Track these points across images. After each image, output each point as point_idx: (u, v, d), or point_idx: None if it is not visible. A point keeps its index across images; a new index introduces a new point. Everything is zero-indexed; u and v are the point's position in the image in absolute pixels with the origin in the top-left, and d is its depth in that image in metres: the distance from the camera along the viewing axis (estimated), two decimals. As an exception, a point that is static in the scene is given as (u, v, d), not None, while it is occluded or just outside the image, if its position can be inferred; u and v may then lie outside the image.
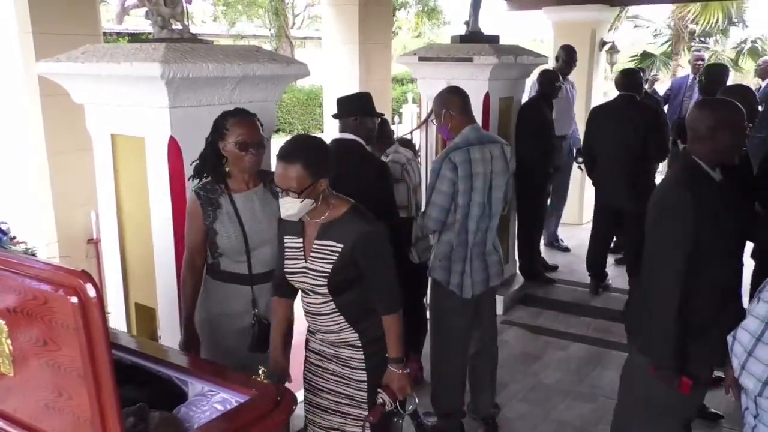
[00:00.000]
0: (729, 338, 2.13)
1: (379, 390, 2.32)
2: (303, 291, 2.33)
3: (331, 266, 2.21)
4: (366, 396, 2.34)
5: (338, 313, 2.28)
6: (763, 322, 2.02)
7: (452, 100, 3.11)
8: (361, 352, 2.32)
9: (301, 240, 2.28)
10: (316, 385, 2.44)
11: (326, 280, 2.22)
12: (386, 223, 2.36)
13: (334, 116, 3.28)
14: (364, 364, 2.33)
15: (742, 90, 3.61)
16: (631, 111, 4.83)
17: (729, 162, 2.39)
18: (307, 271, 2.25)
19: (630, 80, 4.97)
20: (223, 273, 2.58)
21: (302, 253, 2.27)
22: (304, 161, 2.08)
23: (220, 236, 2.52)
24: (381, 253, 2.25)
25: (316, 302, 2.30)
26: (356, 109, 3.20)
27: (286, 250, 2.32)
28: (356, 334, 2.31)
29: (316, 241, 2.23)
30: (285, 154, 2.11)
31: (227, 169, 2.52)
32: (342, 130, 3.19)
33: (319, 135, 2.67)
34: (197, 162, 2.52)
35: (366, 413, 2.33)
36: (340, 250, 2.20)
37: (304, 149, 2.13)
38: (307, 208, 2.15)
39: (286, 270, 2.32)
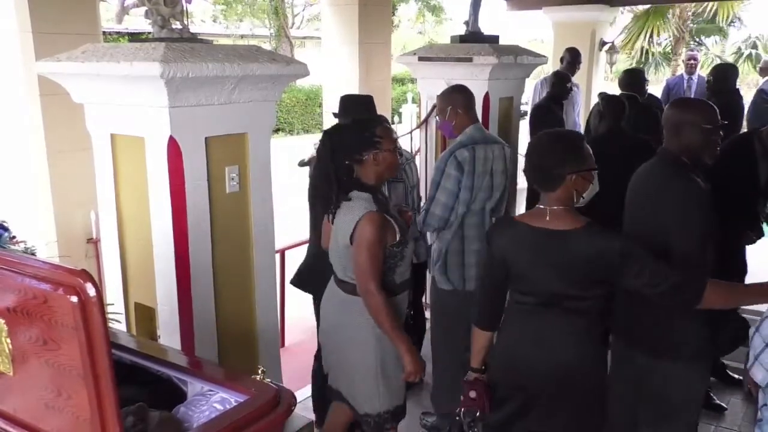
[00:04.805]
0: (751, 331, 2.11)
1: None
2: None
3: None
4: None
5: None
6: None
7: (458, 97, 3.14)
8: None
9: None
10: None
11: None
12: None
13: (336, 114, 3.28)
14: None
15: None
16: (631, 111, 4.81)
17: (699, 161, 2.43)
18: None
19: (632, 79, 4.91)
20: (400, 285, 2.54)
21: None
22: None
23: (408, 248, 2.49)
24: None
25: None
26: (362, 112, 3.17)
27: None
28: None
29: None
30: None
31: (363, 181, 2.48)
32: None
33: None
34: (352, 184, 2.45)
35: None
36: None
37: None
38: None
39: None
